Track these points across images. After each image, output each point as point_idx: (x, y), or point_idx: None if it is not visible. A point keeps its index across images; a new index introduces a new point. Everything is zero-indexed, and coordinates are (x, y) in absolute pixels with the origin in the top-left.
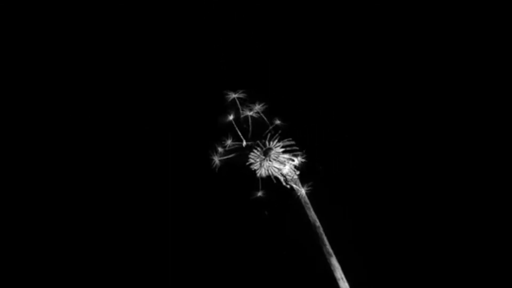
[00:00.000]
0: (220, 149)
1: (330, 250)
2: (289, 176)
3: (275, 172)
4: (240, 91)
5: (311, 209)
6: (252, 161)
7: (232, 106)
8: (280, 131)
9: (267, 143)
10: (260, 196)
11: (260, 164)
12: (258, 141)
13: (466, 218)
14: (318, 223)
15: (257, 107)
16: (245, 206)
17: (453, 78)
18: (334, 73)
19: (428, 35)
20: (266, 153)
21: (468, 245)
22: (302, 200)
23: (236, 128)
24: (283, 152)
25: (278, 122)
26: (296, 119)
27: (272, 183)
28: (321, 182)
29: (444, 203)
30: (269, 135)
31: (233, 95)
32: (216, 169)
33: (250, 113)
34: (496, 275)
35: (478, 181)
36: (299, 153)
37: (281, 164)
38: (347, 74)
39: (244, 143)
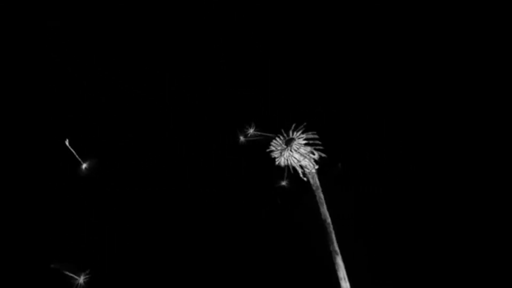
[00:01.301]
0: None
1: (337, 249)
2: (308, 169)
3: (294, 163)
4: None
5: (324, 205)
6: (273, 148)
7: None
8: (305, 123)
9: (290, 133)
10: (275, 185)
11: (281, 153)
12: (282, 130)
13: (469, 218)
14: (329, 220)
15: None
16: (258, 193)
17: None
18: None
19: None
20: (288, 142)
21: (469, 246)
22: (317, 195)
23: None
24: (305, 144)
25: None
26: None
27: (289, 173)
28: (338, 179)
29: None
30: (293, 125)
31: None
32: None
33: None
34: (496, 275)
35: (481, 181)
36: (321, 147)
37: (301, 156)
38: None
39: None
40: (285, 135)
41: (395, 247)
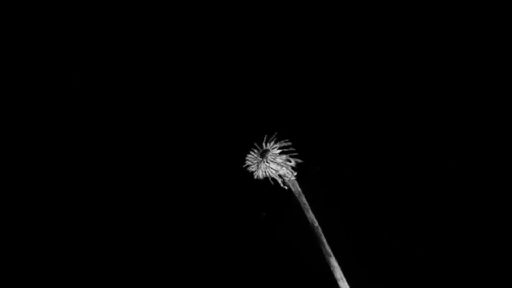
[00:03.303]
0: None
1: (329, 251)
2: (287, 177)
3: (273, 173)
4: None
5: (309, 210)
6: (249, 163)
7: None
8: (276, 133)
9: (263, 144)
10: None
11: (257, 166)
12: (254, 143)
13: (465, 217)
14: (316, 224)
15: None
16: (241, 209)
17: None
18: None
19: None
20: (263, 154)
21: (468, 245)
22: (300, 201)
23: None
24: (280, 153)
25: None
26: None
27: (269, 184)
28: (318, 183)
29: (442, 201)
30: (265, 136)
31: None
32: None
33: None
34: (496, 275)
35: (478, 181)
36: (295, 154)
37: (278, 166)
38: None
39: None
40: (258, 147)
41: (385, 242)
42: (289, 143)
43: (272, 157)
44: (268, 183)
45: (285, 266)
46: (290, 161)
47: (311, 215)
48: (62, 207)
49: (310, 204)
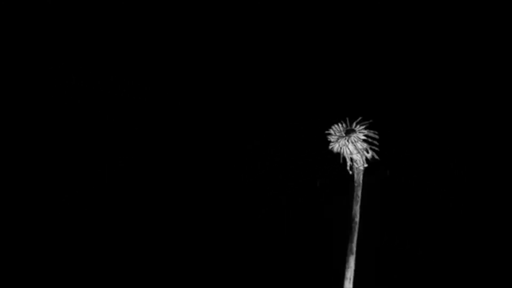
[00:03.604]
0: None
1: (354, 249)
2: (356, 164)
3: (347, 153)
4: None
5: (358, 204)
6: (332, 132)
7: None
8: (371, 120)
9: (354, 124)
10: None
11: (338, 139)
12: (347, 118)
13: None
14: (357, 219)
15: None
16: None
17: None
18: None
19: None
20: (348, 132)
21: (468, 245)
22: (355, 192)
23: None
24: (364, 140)
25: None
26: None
27: (337, 161)
28: (381, 186)
29: None
30: (360, 118)
31: None
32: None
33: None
34: (496, 275)
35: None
36: (376, 149)
37: (355, 149)
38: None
39: None
40: (348, 124)
41: (415, 258)
42: (376, 136)
43: (355, 139)
44: (337, 158)
45: (307, 245)
46: (368, 152)
47: (357, 209)
48: (62, 207)
49: (362, 199)
